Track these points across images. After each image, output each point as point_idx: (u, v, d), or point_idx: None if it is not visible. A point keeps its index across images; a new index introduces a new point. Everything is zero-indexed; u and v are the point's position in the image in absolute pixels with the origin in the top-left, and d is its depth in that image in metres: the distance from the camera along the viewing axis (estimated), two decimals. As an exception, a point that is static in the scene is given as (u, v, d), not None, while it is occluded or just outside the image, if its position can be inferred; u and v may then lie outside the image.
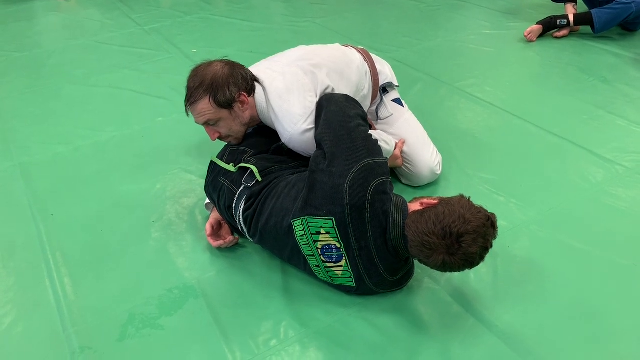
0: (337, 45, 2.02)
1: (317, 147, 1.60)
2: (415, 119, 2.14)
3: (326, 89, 1.74)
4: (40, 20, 4.20)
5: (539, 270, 1.66)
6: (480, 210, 1.39)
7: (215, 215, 1.81)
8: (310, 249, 1.49)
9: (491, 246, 1.38)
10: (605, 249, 1.72)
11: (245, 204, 1.62)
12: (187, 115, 1.75)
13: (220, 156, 1.75)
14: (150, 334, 1.52)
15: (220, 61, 1.72)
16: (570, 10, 3.27)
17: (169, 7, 4.25)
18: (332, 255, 1.47)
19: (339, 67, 1.86)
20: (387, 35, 3.46)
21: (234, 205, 1.66)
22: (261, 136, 1.82)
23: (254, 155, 1.72)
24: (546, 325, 1.48)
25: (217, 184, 1.71)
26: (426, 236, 1.34)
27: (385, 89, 2.09)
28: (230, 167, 1.68)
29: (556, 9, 3.45)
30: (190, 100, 1.67)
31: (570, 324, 1.48)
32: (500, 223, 1.80)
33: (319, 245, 1.46)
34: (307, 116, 1.66)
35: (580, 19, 3.17)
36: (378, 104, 2.05)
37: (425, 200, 1.44)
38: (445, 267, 1.37)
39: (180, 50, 3.37)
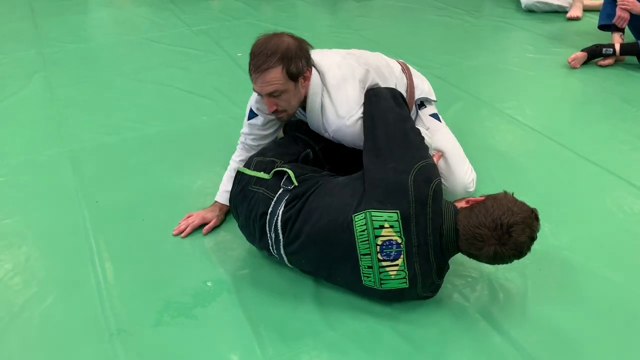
0: (379, 54, 2.07)
1: (365, 140, 1.65)
2: (452, 135, 2.16)
3: (374, 85, 1.82)
4: (94, 15, 4.36)
5: (568, 296, 1.66)
6: (524, 204, 1.48)
7: (208, 215, 1.91)
8: (368, 246, 1.48)
9: (536, 237, 1.47)
10: (636, 281, 1.71)
11: (285, 207, 1.60)
12: (253, 81, 1.68)
13: (247, 166, 1.75)
14: (184, 323, 1.58)
15: (288, 34, 1.71)
16: (617, 40, 3.25)
17: (218, 10, 4.36)
18: (392, 252, 1.47)
19: (383, 74, 1.91)
20: (430, 52, 3.49)
21: (270, 210, 1.61)
22: (286, 147, 1.84)
23: (285, 163, 1.73)
24: (573, 349, 1.49)
25: (247, 193, 1.68)
26: (477, 229, 1.43)
27: (422, 104, 2.13)
28: (263, 175, 1.68)
29: (603, 37, 3.43)
30: (262, 67, 1.63)
31: (596, 350, 1.49)
32: (533, 247, 1.83)
33: (379, 241, 1.47)
34: (361, 105, 1.73)
35: (627, 49, 3.15)
36: (414, 118, 2.08)
37: (471, 198, 1.54)
38: (496, 257, 1.45)
39: (227, 53, 3.46)
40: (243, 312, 1.61)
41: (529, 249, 1.45)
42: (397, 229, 1.46)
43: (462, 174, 2.05)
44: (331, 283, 1.65)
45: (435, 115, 2.18)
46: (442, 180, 2.02)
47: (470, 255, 1.50)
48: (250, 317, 1.59)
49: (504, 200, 1.45)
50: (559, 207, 2.04)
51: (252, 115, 1.90)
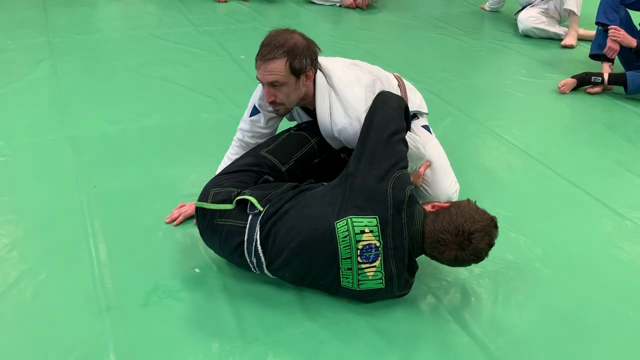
0: (378, 67, 2.16)
1: (357, 143, 1.71)
2: (441, 147, 2.26)
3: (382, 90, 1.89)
4: (102, 8, 4.46)
5: (536, 304, 1.75)
6: (485, 212, 1.60)
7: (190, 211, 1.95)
8: (349, 250, 1.55)
9: (494, 244, 1.59)
10: (602, 294, 1.81)
11: (261, 231, 1.60)
12: (257, 69, 1.74)
13: (204, 200, 1.70)
14: (170, 304, 1.66)
15: (300, 33, 1.78)
16: (606, 69, 3.38)
17: (224, 13, 4.47)
18: (370, 254, 1.56)
19: (384, 85, 2.00)
20: (427, 68, 3.60)
21: (246, 238, 1.62)
22: (244, 173, 1.78)
23: (245, 190, 1.70)
24: (534, 353, 1.58)
25: (215, 228, 1.66)
26: (441, 234, 1.54)
27: (415, 115, 2.22)
28: (226, 206, 1.65)
29: (594, 66, 3.56)
30: (268, 56, 1.69)
31: (554, 355, 1.58)
32: (507, 256, 1.94)
33: (360, 245, 1.55)
34: (367, 107, 1.78)
35: (615, 79, 3.27)
36: None
37: (436, 204, 1.65)
38: (456, 261, 1.58)
39: (230, 55, 3.57)
40: (226, 298, 1.69)
41: (487, 254, 1.58)
42: (376, 234, 1.56)
43: (447, 184, 2.15)
44: (313, 288, 1.71)
45: (426, 127, 2.27)
46: (427, 189, 2.14)
47: (433, 258, 1.62)
48: (233, 303, 1.67)
49: (467, 208, 1.56)
50: (536, 222, 2.14)
51: (254, 111, 1.98)
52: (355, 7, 4.78)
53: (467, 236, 1.52)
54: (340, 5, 4.82)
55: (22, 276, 1.73)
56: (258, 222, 1.62)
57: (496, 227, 1.59)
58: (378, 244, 1.56)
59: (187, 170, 2.32)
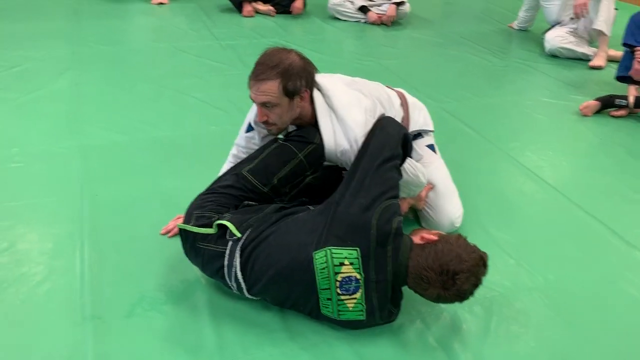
0: (379, 84, 2.13)
1: (351, 166, 1.67)
2: (446, 168, 2.21)
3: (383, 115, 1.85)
4: (131, 20, 4.58)
5: (531, 337, 1.68)
6: (475, 250, 1.51)
7: None
8: (327, 282, 1.51)
9: (481, 283, 1.51)
10: (606, 330, 1.71)
11: (241, 256, 1.58)
12: (248, 87, 1.72)
13: (187, 222, 1.66)
14: (154, 317, 1.66)
15: (297, 53, 1.74)
16: (632, 92, 3.25)
17: (249, 27, 4.53)
18: (350, 287, 1.50)
19: (385, 106, 1.97)
20: (445, 86, 3.55)
21: (226, 263, 1.60)
22: (225, 197, 1.73)
23: (225, 214, 1.66)
24: (522, 389, 1.51)
25: (197, 250, 1.65)
26: (425, 271, 1.47)
27: (419, 134, 2.18)
28: (206, 230, 1.61)
29: (621, 88, 3.43)
30: (261, 77, 1.67)
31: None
32: (504, 283, 1.87)
33: (339, 277, 1.50)
34: (365, 131, 1.74)
35: (641, 103, 3.15)
36: None
37: (425, 235, 1.56)
38: (439, 299, 1.52)
39: (248, 69, 3.54)
40: (210, 313, 1.68)
41: (472, 294, 1.51)
42: (357, 266, 1.50)
43: (450, 208, 2.10)
44: (296, 312, 1.67)
45: (431, 147, 2.22)
46: (430, 212, 2.09)
47: (415, 292, 1.55)
48: (215, 318, 1.66)
49: (454, 245, 1.49)
50: (540, 250, 2.06)
51: (249, 128, 1.98)
52: (380, 23, 4.78)
53: (452, 276, 1.45)
54: (365, 22, 4.82)
55: (15, 282, 1.76)
56: (238, 247, 1.59)
57: (485, 265, 1.52)
58: (359, 277, 1.50)
59: (190, 183, 2.30)
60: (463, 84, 3.63)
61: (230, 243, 1.60)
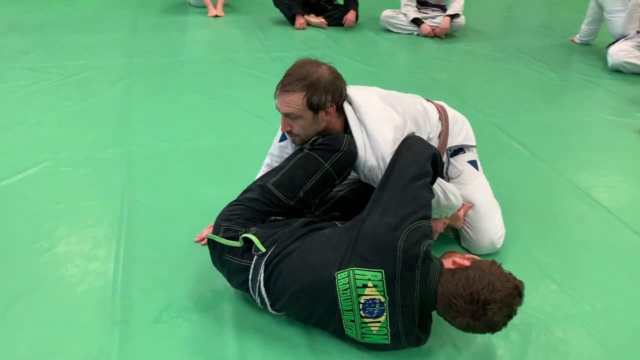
0: (419, 98, 2.07)
1: (378, 185, 1.62)
2: (488, 186, 2.12)
3: (411, 134, 1.80)
4: (187, 32, 4.72)
5: (571, 369, 1.57)
6: (510, 278, 1.41)
7: None
8: (350, 303, 1.46)
9: (515, 314, 1.41)
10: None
11: (265, 271, 1.56)
12: (275, 97, 1.72)
13: (216, 233, 1.66)
14: (180, 324, 1.66)
15: (328, 66, 1.72)
16: (702, 110, 3.04)
17: (300, 40, 4.56)
18: (374, 310, 1.45)
19: (418, 123, 1.91)
20: (497, 100, 3.43)
21: (250, 278, 1.58)
22: (249, 210, 1.70)
23: (251, 228, 1.64)
24: None
25: (224, 262, 1.65)
26: (454, 298, 1.39)
27: (461, 149, 2.09)
28: (233, 243, 1.60)
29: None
30: (286, 88, 1.67)
31: None
32: (545, 309, 1.77)
33: (362, 299, 1.45)
34: (393, 149, 1.69)
35: None
36: (446, 165, 2.05)
37: (457, 260, 1.47)
38: (468, 329, 1.42)
39: (296, 80, 3.60)
40: (235, 324, 1.67)
41: (504, 325, 1.41)
42: (381, 288, 1.44)
43: (491, 228, 2.00)
44: (322, 330, 1.63)
45: (473, 163, 2.13)
46: (469, 231, 2.00)
47: (444, 319, 1.46)
48: (240, 330, 1.64)
49: (487, 272, 1.39)
50: (588, 276, 1.93)
51: (283, 137, 1.97)
52: (434, 36, 4.70)
53: (482, 305, 1.35)
54: (417, 34, 4.75)
55: (53, 281, 1.82)
56: (263, 263, 1.57)
57: (520, 295, 1.41)
58: (383, 300, 1.44)
59: (229, 192, 2.29)
60: (516, 99, 3.49)
61: (255, 257, 1.59)
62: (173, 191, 2.34)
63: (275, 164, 1.94)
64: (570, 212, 2.32)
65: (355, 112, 1.77)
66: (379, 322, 1.46)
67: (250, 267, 1.59)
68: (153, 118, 3.00)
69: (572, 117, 3.28)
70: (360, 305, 1.45)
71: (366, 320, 1.47)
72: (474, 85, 3.73)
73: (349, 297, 1.46)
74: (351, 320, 1.49)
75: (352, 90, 1.83)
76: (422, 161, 1.60)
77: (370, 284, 1.44)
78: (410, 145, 1.65)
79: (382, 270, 1.43)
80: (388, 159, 1.67)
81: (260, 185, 1.72)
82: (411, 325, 1.47)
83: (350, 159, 1.71)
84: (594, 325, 1.71)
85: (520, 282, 1.42)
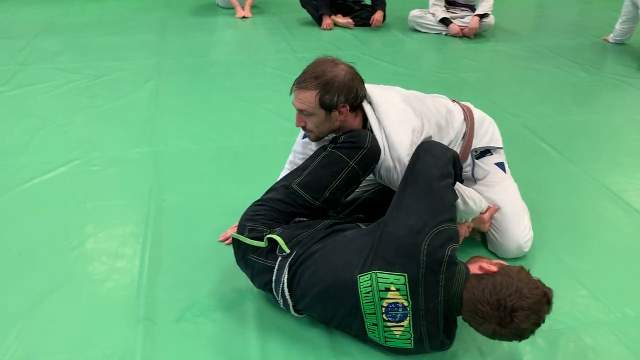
0: (444, 99, 2.04)
1: (397, 190, 1.61)
2: (516, 188, 2.08)
3: (429, 138, 1.79)
4: (215, 34, 4.76)
5: (600, 377, 1.52)
6: (538, 285, 1.37)
7: None
8: (372, 307, 1.45)
9: (544, 322, 1.37)
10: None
11: (289, 272, 1.56)
12: (290, 93, 1.74)
13: (241, 232, 1.66)
14: (202, 323, 1.68)
15: (348, 67, 1.71)
16: None
17: (327, 40, 4.56)
18: (397, 314, 1.44)
19: (440, 124, 1.88)
20: (526, 102, 3.36)
21: (274, 278, 1.58)
22: (273, 210, 1.69)
23: (276, 229, 1.64)
24: None
25: (248, 262, 1.65)
26: (480, 304, 1.36)
27: (488, 151, 2.05)
28: (258, 243, 1.60)
29: None
30: (301, 85, 1.68)
31: None
32: (574, 315, 1.72)
33: (384, 303, 1.43)
34: (409, 153, 1.68)
35: None
36: (472, 167, 2.02)
37: (485, 265, 1.43)
38: (494, 336, 1.39)
39: (322, 81, 3.60)
40: (257, 324, 1.67)
41: (532, 333, 1.36)
42: (404, 292, 1.42)
43: (519, 231, 1.96)
44: (344, 333, 1.62)
45: (500, 165, 2.09)
46: (496, 235, 1.97)
47: (470, 325, 1.43)
48: (262, 330, 1.65)
49: (515, 278, 1.35)
50: (620, 282, 1.88)
51: (306, 135, 1.97)
52: (462, 36, 4.64)
53: (509, 312, 1.32)
54: (446, 34, 4.70)
55: (79, 277, 1.85)
56: (287, 264, 1.56)
57: (549, 303, 1.37)
58: (406, 304, 1.42)
59: (253, 192, 2.29)
60: (547, 100, 3.42)
61: (279, 259, 1.58)
62: (198, 191, 2.36)
63: (299, 162, 1.94)
64: (601, 215, 2.26)
65: (374, 112, 1.77)
66: (402, 326, 1.44)
67: (274, 267, 1.58)
68: (180, 118, 3.03)
69: (604, 119, 3.20)
70: (383, 308, 1.44)
71: (389, 324, 1.45)
72: (503, 86, 3.67)
73: (371, 300, 1.44)
74: (374, 324, 1.47)
75: (373, 90, 1.82)
76: (442, 163, 1.58)
77: (393, 288, 1.42)
78: (429, 149, 1.63)
79: (406, 274, 1.41)
80: (405, 161, 1.66)
81: (284, 185, 1.71)
82: (435, 330, 1.44)
83: (375, 156, 1.69)
84: (625, 333, 1.66)
85: (549, 289, 1.38)
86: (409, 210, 1.49)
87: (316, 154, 1.74)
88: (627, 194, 2.39)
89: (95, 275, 1.86)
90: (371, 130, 1.74)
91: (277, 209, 1.68)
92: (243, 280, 1.83)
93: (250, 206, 1.74)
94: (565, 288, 1.83)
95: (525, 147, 2.77)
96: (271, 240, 1.60)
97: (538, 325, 1.36)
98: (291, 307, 1.60)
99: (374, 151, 1.68)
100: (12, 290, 1.79)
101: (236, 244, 1.68)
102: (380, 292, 1.43)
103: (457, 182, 1.73)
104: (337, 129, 1.75)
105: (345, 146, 1.67)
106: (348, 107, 1.70)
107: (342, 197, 1.73)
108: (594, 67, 4.04)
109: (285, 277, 1.56)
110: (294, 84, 1.72)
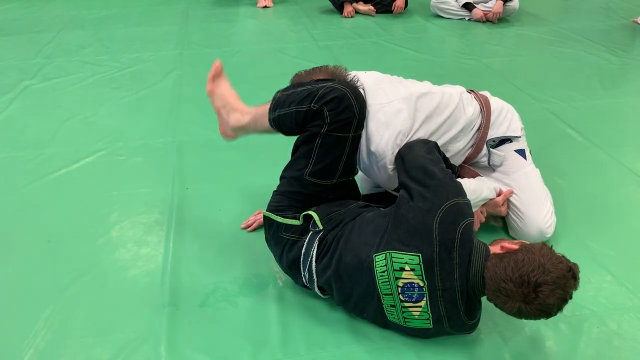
0: (458, 89, 1.96)
1: (398, 175, 1.64)
2: (537, 174, 2.05)
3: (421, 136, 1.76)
4: (237, 24, 4.77)
5: (625, 363, 1.50)
6: (562, 260, 1.35)
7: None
8: (388, 287, 1.47)
9: (570, 298, 1.33)
10: None
11: (318, 248, 1.59)
12: None
13: (273, 211, 1.69)
14: (225, 308, 1.71)
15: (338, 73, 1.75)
16: None
17: (348, 28, 4.53)
18: (413, 294, 1.45)
19: (443, 119, 1.83)
20: (552, 86, 3.30)
21: (303, 252, 1.62)
22: (298, 201, 1.69)
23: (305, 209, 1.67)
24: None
25: (279, 240, 1.68)
26: (503, 282, 1.34)
27: (508, 139, 2.02)
28: (293, 221, 1.64)
29: None
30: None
31: None
32: (599, 300, 1.71)
33: (400, 282, 1.45)
34: (392, 154, 1.69)
35: None
36: (488, 156, 1.99)
37: (506, 245, 1.42)
38: (520, 314, 1.36)
39: (343, 68, 3.59)
40: (279, 308, 1.69)
41: (560, 309, 1.33)
42: (419, 272, 1.42)
43: (540, 217, 1.94)
44: (362, 319, 1.63)
45: (521, 152, 2.05)
46: (517, 220, 1.95)
47: (495, 306, 1.40)
48: (283, 314, 1.67)
49: (537, 254, 1.33)
50: (645, 267, 1.85)
51: None
52: (486, 20, 4.56)
53: (534, 288, 1.29)
54: (469, 19, 4.63)
55: (105, 263, 1.90)
56: (317, 239, 1.60)
57: (575, 277, 1.34)
58: (422, 284, 1.43)
59: (274, 180, 2.30)
60: (573, 84, 3.35)
61: (310, 233, 1.62)
62: (221, 179, 2.39)
63: None
64: (628, 201, 2.22)
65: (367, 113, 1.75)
66: (420, 306, 1.45)
67: (304, 243, 1.62)
68: (203, 108, 3.04)
69: (632, 103, 3.12)
70: (399, 288, 1.45)
71: (406, 304, 1.46)
72: (527, 71, 3.60)
73: (387, 280, 1.46)
74: (392, 305, 1.48)
75: (377, 84, 1.78)
76: (426, 152, 1.62)
77: (407, 268, 1.43)
78: (411, 146, 1.67)
79: (420, 254, 1.42)
80: (382, 162, 1.70)
81: (296, 177, 1.68)
82: (454, 310, 1.44)
83: (364, 107, 1.63)
84: (651, 319, 1.64)
85: (575, 264, 1.36)
86: (418, 194, 1.50)
87: (311, 137, 1.63)
88: (655, 179, 2.33)
89: (120, 262, 1.91)
90: None
91: (298, 199, 1.68)
92: (265, 266, 1.87)
93: (273, 196, 1.75)
94: (590, 273, 1.81)
95: (550, 133, 2.72)
96: (305, 217, 1.63)
97: (565, 300, 1.32)
98: (315, 284, 1.62)
99: (362, 107, 1.62)
100: (41, 277, 1.84)
101: (267, 222, 1.70)
102: (395, 272, 1.44)
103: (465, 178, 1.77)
104: None
105: (338, 125, 1.57)
106: None
107: (354, 160, 1.71)
108: (623, 49, 3.94)
109: (315, 252, 1.59)
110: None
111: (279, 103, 1.69)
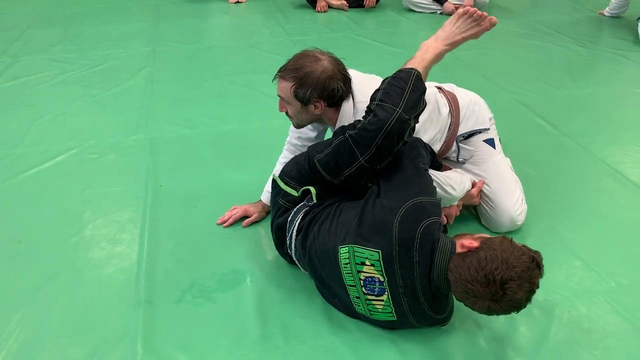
0: (432, 89, 1.96)
1: (373, 182, 1.63)
2: (507, 163, 2.09)
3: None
4: (210, 20, 4.73)
5: (594, 345, 1.54)
6: (524, 251, 1.33)
7: (250, 209, 2.04)
8: (352, 279, 1.48)
9: (537, 287, 1.33)
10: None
11: (301, 220, 1.63)
12: (272, 80, 1.76)
13: (282, 178, 1.73)
14: (202, 304, 1.70)
15: (330, 64, 1.69)
16: None
17: (321, 23, 4.53)
18: (375, 288, 1.46)
19: (428, 121, 1.88)
20: (522, 78, 3.35)
21: (289, 219, 1.67)
22: (304, 177, 1.69)
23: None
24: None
25: (275, 203, 1.74)
26: (469, 284, 1.32)
27: (478, 130, 2.05)
28: (291, 190, 1.69)
29: None
30: (280, 74, 1.74)
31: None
32: (569, 285, 1.75)
33: (362, 276, 1.46)
34: None
35: None
36: (457, 152, 2.02)
37: (466, 242, 1.39)
38: (491, 312, 1.35)
39: (317, 63, 3.59)
40: (256, 303, 1.69)
41: (528, 301, 1.32)
42: (379, 268, 1.43)
43: (511, 205, 1.97)
44: (336, 308, 1.64)
45: (490, 141, 2.07)
46: (487, 210, 1.98)
47: (465, 305, 1.40)
48: (261, 308, 1.67)
49: (499, 250, 1.31)
50: (614, 252, 1.90)
51: None
52: (457, 14, 4.60)
53: (500, 286, 1.27)
54: (441, 13, 4.67)
55: (80, 263, 1.87)
56: (302, 211, 1.65)
57: (539, 267, 1.33)
58: (382, 279, 1.44)
59: (249, 176, 2.36)
60: (542, 75, 3.41)
61: (300, 204, 1.67)
62: (195, 176, 2.37)
63: (295, 140, 2.02)
64: (597, 188, 2.27)
65: (353, 108, 1.76)
66: (382, 300, 1.47)
67: (293, 210, 1.68)
68: (175, 104, 3.03)
69: (601, 93, 3.19)
70: (361, 281, 1.47)
71: (369, 297, 1.48)
72: (498, 63, 3.65)
73: (350, 271, 1.48)
74: (357, 297, 1.51)
75: (361, 84, 1.78)
76: (408, 149, 1.60)
77: (367, 262, 1.44)
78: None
79: (379, 251, 1.43)
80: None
81: (307, 157, 1.67)
82: (417, 306, 1.45)
83: (396, 138, 1.54)
84: (619, 301, 1.68)
85: (537, 252, 1.36)
86: (384, 189, 1.52)
87: (335, 135, 1.64)
88: (623, 166, 2.39)
89: (94, 261, 1.88)
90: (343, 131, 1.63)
91: (304, 175, 1.69)
92: (242, 261, 1.87)
93: (290, 160, 1.79)
94: (560, 259, 1.85)
95: (520, 123, 2.77)
96: (304, 192, 1.67)
97: (533, 292, 1.32)
98: (293, 252, 1.68)
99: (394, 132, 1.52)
100: (13, 278, 1.81)
101: (273, 184, 1.77)
102: (357, 265, 1.46)
103: (434, 171, 1.75)
104: (318, 120, 1.80)
105: (360, 139, 1.53)
106: (323, 103, 1.72)
107: (360, 180, 1.64)
108: (590, 41, 4.02)
109: (297, 223, 1.64)
110: (277, 72, 1.75)
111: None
